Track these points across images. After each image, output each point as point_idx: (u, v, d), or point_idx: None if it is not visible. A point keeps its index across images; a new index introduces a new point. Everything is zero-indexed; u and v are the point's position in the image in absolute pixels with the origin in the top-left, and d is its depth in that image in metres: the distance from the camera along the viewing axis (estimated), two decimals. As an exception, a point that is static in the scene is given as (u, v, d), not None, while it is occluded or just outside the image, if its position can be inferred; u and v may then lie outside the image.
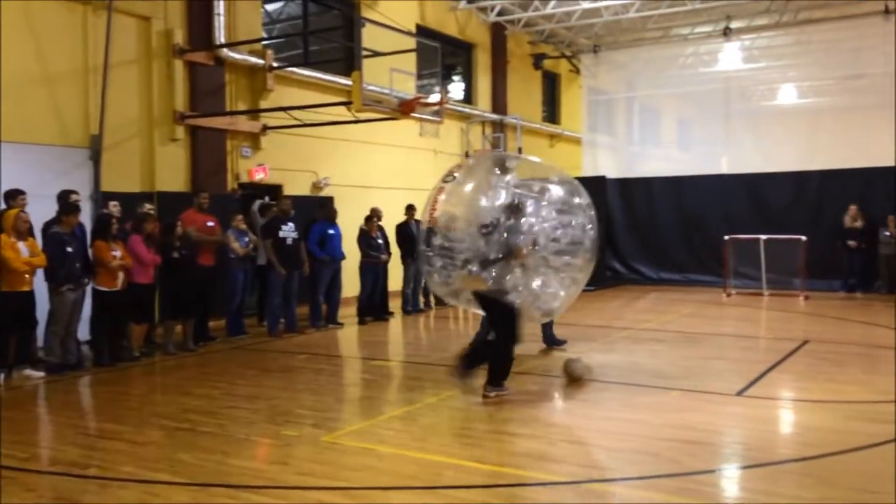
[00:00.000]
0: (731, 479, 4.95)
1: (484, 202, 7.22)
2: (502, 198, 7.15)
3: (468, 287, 7.05)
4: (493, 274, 6.72)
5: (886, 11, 16.19)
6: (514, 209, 6.95)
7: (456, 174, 7.69)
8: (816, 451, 5.26)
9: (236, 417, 6.38)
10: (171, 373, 8.52)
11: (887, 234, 14.30)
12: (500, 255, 6.73)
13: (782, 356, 8.68)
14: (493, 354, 6.85)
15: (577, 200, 7.60)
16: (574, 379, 7.42)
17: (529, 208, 7.09)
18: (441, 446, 5.51)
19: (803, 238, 14.24)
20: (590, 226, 7.57)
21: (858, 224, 14.61)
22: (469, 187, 7.61)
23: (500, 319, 6.80)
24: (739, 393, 6.97)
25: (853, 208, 14.67)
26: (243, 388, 7.53)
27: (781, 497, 4.48)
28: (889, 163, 14.75)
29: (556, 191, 7.53)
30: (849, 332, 10.51)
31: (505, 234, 6.77)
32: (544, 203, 7.29)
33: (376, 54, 11.21)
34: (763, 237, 14.95)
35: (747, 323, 12.26)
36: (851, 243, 14.57)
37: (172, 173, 11.19)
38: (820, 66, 18.19)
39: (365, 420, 6.40)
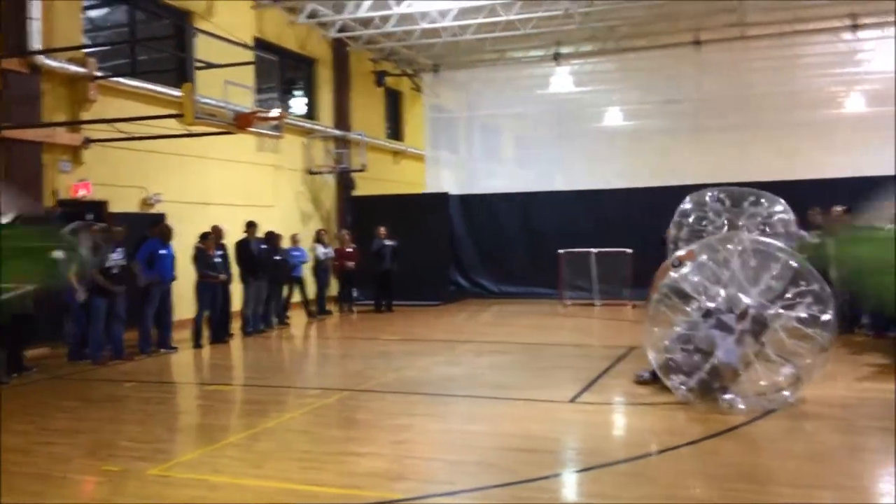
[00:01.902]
0: (561, 484, 5.15)
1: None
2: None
3: None
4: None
5: (696, 43, 17.75)
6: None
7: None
8: (639, 451, 5.58)
9: (53, 454, 5.88)
10: (-24, 409, 7.72)
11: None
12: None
13: (611, 362, 9.17)
14: None
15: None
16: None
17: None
18: (279, 472, 5.33)
19: (629, 251, 15.15)
20: None
21: (678, 237, 15.73)
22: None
23: None
24: (573, 400, 7.28)
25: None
26: (62, 421, 6.96)
27: (605, 498, 4.72)
28: (702, 181, 16.03)
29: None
30: (670, 338, 11.27)
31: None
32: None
33: (210, 66, 10.79)
34: (594, 251, 15.76)
35: (581, 332, 12.89)
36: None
37: (-21, 189, 10.21)
38: (640, 91, 19.64)
39: (198, 449, 6.08)
